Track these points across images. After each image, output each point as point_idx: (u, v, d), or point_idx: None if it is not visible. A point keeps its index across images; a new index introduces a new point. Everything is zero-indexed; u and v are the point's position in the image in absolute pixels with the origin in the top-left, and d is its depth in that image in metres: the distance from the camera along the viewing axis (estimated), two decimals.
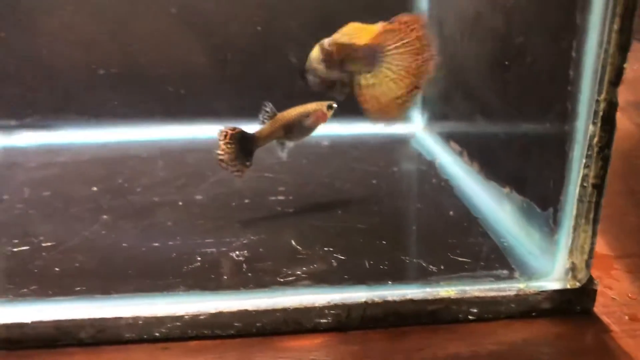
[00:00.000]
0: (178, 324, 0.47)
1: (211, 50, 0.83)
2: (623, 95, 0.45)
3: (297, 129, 0.60)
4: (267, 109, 0.59)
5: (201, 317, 0.47)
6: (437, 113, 0.81)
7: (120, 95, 0.83)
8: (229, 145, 0.57)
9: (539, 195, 0.54)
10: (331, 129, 0.86)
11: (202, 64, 0.85)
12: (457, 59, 0.70)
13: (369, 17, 0.83)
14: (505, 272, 0.52)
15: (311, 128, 0.60)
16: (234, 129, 0.58)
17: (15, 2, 0.79)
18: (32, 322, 0.45)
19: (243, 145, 0.58)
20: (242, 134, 0.58)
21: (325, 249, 0.56)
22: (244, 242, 0.58)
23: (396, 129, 0.86)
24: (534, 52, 0.53)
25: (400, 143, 0.83)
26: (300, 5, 0.84)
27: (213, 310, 0.47)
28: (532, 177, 0.55)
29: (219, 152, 0.58)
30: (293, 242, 0.58)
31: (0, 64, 0.81)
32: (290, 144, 0.61)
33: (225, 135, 0.57)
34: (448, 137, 0.76)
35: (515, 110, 0.58)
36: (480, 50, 0.65)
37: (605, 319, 0.50)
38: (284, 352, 0.46)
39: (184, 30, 0.82)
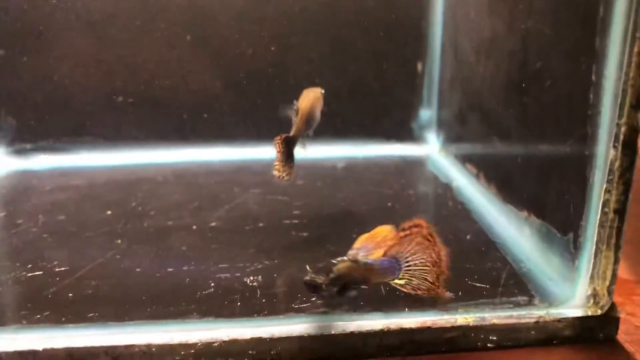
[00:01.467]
0: (192, 351, 0.46)
1: (225, 74, 0.83)
2: None
3: (312, 119, 0.61)
4: (296, 107, 0.60)
5: (215, 344, 0.46)
6: (452, 135, 0.80)
7: (135, 118, 0.83)
8: (283, 152, 0.58)
9: (559, 220, 0.53)
10: (346, 151, 0.86)
11: (217, 87, 0.85)
12: (472, 82, 0.70)
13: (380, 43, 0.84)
14: (524, 298, 0.51)
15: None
16: (283, 135, 0.59)
17: (32, 26, 0.79)
18: (44, 350, 0.45)
19: (289, 148, 0.59)
20: (289, 137, 0.59)
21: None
22: (258, 267, 0.57)
23: (411, 150, 0.85)
24: (552, 75, 0.53)
25: (415, 165, 0.83)
26: (313, 30, 0.84)
27: (227, 338, 0.46)
28: (551, 202, 0.54)
29: (277, 162, 0.58)
30: (308, 268, 0.57)
31: (15, 88, 0.81)
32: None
33: (280, 143, 0.58)
34: (464, 160, 0.75)
35: (533, 133, 0.57)
36: (496, 73, 0.65)
37: (629, 347, 0.49)
38: None
39: (198, 55, 0.82)
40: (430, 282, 0.48)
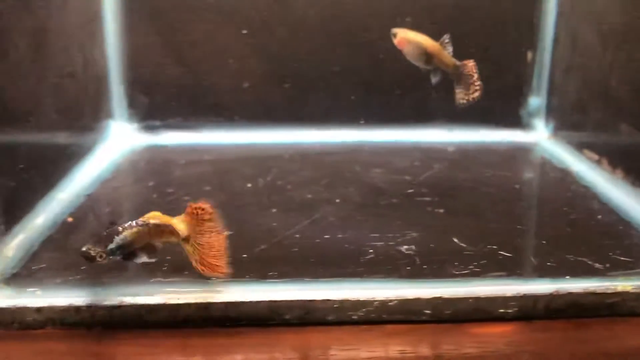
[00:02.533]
0: (373, 308, 0.50)
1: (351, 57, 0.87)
2: None
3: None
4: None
5: (393, 303, 0.50)
6: (566, 122, 0.84)
7: (258, 99, 0.87)
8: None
9: None
10: (453, 137, 0.90)
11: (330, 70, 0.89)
12: (596, 71, 0.73)
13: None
14: None
15: None
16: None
17: (166, 9, 0.84)
18: (249, 302, 0.49)
19: None
20: None
21: (489, 247, 0.59)
22: (408, 238, 0.61)
23: (520, 137, 0.89)
24: None
25: (524, 151, 0.86)
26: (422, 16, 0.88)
27: (409, 297, 0.50)
28: None
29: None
30: (456, 240, 0.61)
31: (147, 68, 0.86)
32: None
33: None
34: (581, 146, 0.78)
35: None
36: (629, 62, 0.68)
37: None
38: (474, 338, 0.49)
39: (321, 37, 0.86)
40: (210, 261, 0.50)
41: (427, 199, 0.70)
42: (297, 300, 0.49)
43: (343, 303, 0.50)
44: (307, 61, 0.87)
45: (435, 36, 0.66)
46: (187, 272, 0.52)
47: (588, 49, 0.75)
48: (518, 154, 0.86)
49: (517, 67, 0.89)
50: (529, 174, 0.78)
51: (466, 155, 0.85)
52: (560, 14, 0.83)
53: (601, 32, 0.73)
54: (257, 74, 0.87)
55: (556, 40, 0.85)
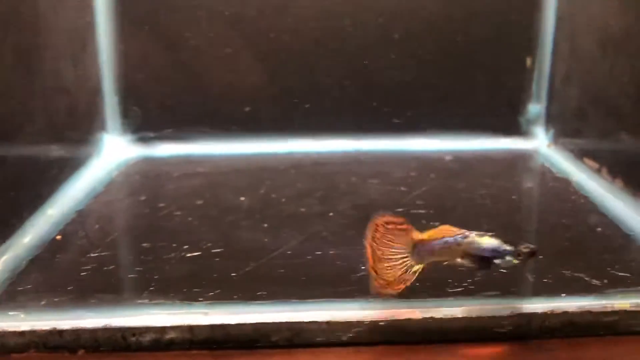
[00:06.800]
0: (364, 329, 0.49)
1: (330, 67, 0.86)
2: None
3: None
4: None
5: (382, 323, 0.49)
6: (567, 130, 0.82)
7: (254, 108, 0.86)
8: None
9: None
10: (452, 145, 0.88)
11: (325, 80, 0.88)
12: (596, 78, 0.72)
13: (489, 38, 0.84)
14: None
15: None
16: None
17: (156, 18, 0.83)
18: (236, 324, 0.48)
19: None
20: None
21: None
22: None
23: (519, 144, 0.87)
24: None
25: (524, 159, 0.85)
26: (422, 25, 0.86)
27: (400, 317, 0.49)
28: None
29: None
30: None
31: (140, 79, 0.85)
32: None
33: None
34: (581, 154, 0.77)
35: None
36: (628, 69, 0.66)
37: None
38: (466, 359, 0.48)
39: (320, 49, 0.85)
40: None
41: (422, 211, 0.69)
42: (284, 322, 0.48)
43: (331, 324, 0.48)
44: (302, 71, 0.86)
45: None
46: (172, 294, 0.51)
47: (587, 56, 0.74)
48: (518, 162, 0.84)
49: (517, 74, 0.87)
50: (527, 184, 0.77)
51: (464, 164, 0.84)
52: (559, 21, 0.82)
53: (600, 39, 0.71)
54: (253, 84, 0.86)
55: (555, 47, 0.83)
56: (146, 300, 0.51)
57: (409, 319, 0.49)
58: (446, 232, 0.50)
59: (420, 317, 0.49)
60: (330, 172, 0.81)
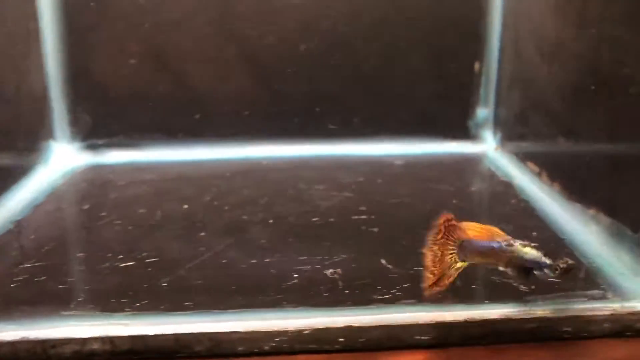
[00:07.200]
0: (286, 338, 0.49)
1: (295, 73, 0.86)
2: None
3: None
4: None
5: (306, 332, 0.49)
6: (511, 134, 0.83)
7: (203, 115, 0.86)
8: None
9: (629, 217, 0.55)
10: (402, 149, 0.89)
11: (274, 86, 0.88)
12: (536, 83, 0.72)
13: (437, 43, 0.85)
14: (597, 292, 0.54)
15: None
16: None
17: (103, 24, 0.83)
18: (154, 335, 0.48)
19: None
20: None
21: (416, 268, 0.58)
22: (336, 260, 0.60)
23: (467, 148, 0.88)
24: (628, 78, 0.55)
25: (473, 163, 0.85)
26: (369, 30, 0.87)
27: (321, 326, 0.49)
28: (622, 200, 0.56)
29: None
30: (383, 261, 0.60)
31: (90, 86, 0.85)
32: None
33: None
34: (524, 158, 0.77)
35: (604, 133, 0.59)
36: (563, 74, 0.67)
37: None
38: None
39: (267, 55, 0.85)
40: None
41: (364, 217, 0.69)
42: (205, 333, 0.48)
43: (252, 334, 0.48)
44: (250, 77, 0.86)
45: None
46: (92, 306, 0.51)
47: (529, 62, 0.75)
48: (465, 166, 0.85)
49: (465, 78, 0.88)
50: (471, 188, 0.77)
51: (413, 168, 0.84)
52: (504, 27, 0.83)
53: (538, 45, 0.72)
54: (203, 91, 0.86)
55: (502, 53, 0.84)
56: (71, 312, 0.51)
57: (330, 328, 0.49)
58: (493, 234, 0.51)
59: (342, 326, 0.49)
60: (278, 179, 0.81)
